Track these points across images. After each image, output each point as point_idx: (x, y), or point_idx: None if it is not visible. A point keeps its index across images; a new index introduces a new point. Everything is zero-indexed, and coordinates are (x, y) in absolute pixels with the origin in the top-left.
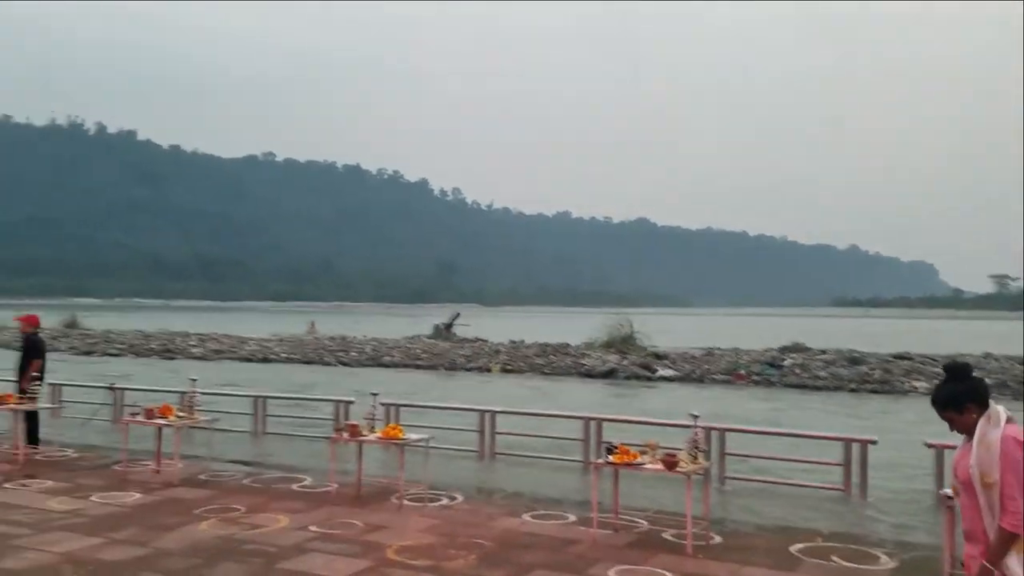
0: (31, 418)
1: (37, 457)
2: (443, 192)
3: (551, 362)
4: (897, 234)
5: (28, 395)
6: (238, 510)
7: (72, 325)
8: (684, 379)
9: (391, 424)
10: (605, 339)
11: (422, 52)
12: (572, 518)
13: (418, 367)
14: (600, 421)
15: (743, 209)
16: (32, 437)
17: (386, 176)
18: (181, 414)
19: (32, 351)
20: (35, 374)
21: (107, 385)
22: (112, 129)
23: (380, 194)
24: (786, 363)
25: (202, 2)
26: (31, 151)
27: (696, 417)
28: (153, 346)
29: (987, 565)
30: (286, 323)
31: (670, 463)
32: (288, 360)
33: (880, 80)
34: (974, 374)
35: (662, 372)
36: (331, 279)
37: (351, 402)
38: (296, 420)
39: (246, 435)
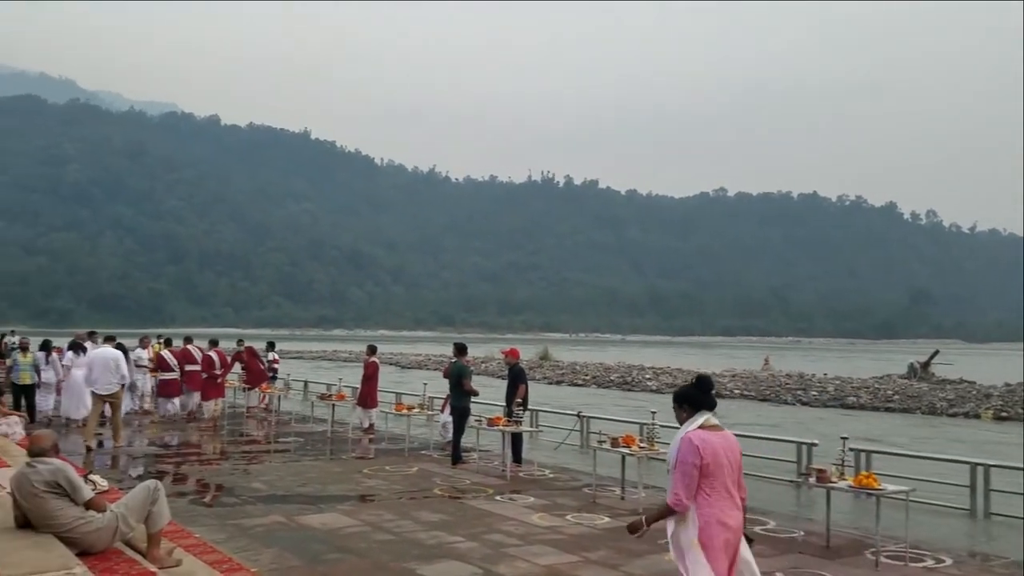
0: (516, 439)
1: (520, 474)
2: (915, 215)
3: None
4: None
5: (514, 419)
6: None
7: (545, 357)
8: None
9: (863, 472)
10: None
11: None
12: None
13: (888, 410)
14: None
15: None
16: (516, 456)
17: (847, 202)
18: (643, 444)
19: (518, 379)
20: (519, 400)
21: (575, 413)
22: (577, 180)
23: (839, 221)
24: None
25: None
26: (512, 205)
27: None
28: (613, 378)
29: (642, 518)
30: (738, 358)
31: None
32: (742, 396)
33: None
34: (711, 386)
35: None
36: (785, 312)
37: (814, 444)
38: (753, 460)
39: None
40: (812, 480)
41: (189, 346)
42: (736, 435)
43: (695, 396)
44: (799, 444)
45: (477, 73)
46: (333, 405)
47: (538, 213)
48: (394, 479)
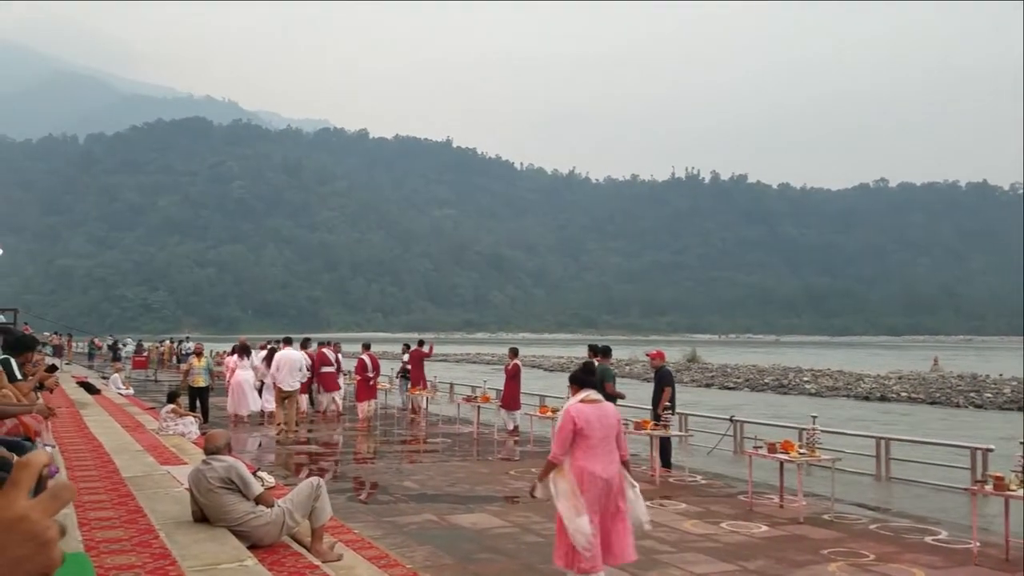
0: (664, 443)
1: (670, 480)
2: None
3: None
4: None
5: (662, 422)
6: (867, 556)
7: (693, 359)
8: None
9: None
10: None
11: None
12: None
13: None
14: None
15: None
16: (665, 461)
17: (1020, 190)
18: (802, 451)
19: (663, 381)
20: (666, 403)
21: (728, 417)
22: (725, 176)
23: (1013, 210)
24: None
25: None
26: (654, 204)
27: None
28: (767, 380)
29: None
30: (905, 358)
31: None
32: (910, 399)
33: None
34: (593, 371)
35: None
36: (955, 309)
37: (990, 449)
38: (924, 466)
39: (868, 478)
40: (988, 488)
41: (325, 349)
42: (907, 440)
43: (581, 378)
44: (973, 449)
45: (616, 76)
46: (478, 407)
47: (683, 211)
48: None
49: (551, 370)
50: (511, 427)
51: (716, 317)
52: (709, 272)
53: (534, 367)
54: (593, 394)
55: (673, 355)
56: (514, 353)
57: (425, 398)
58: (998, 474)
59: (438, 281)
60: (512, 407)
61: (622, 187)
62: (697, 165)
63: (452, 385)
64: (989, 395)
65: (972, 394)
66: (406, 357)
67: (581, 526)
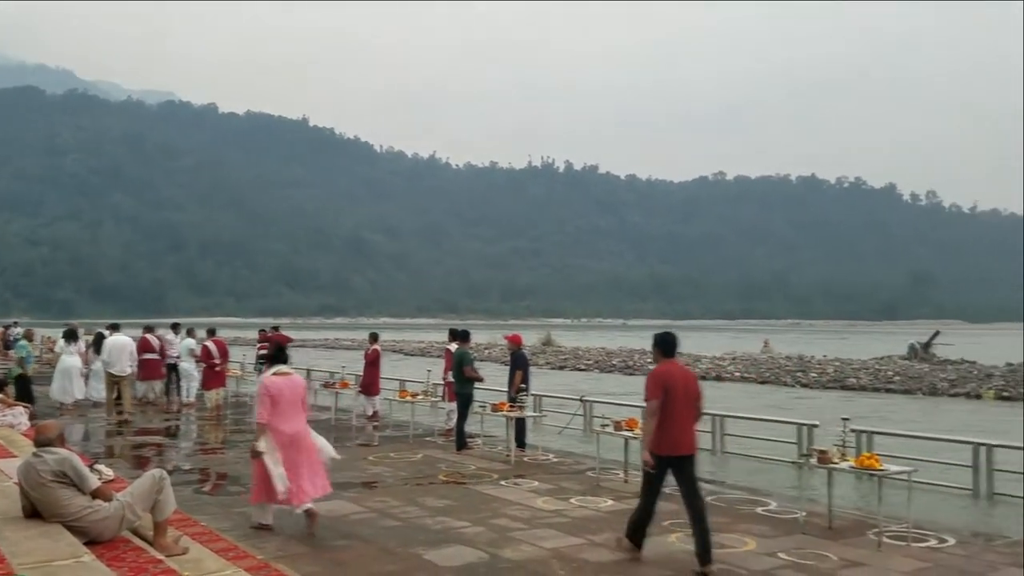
0: (519, 424)
1: (525, 459)
2: (914, 196)
3: None
4: None
5: (517, 404)
6: None
7: (548, 343)
8: None
9: (865, 453)
10: None
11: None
12: None
13: (889, 391)
14: None
15: None
16: (520, 441)
17: (846, 184)
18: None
19: (517, 364)
20: (522, 385)
21: (578, 398)
22: (578, 166)
23: (839, 203)
24: None
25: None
26: (513, 191)
27: None
28: (615, 362)
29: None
30: (739, 341)
31: None
32: (743, 379)
33: None
34: (283, 351)
35: None
36: (785, 295)
37: (815, 425)
38: (755, 441)
39: (706, 453)
40: (813, 461)
41: (148, 335)
42: (740, 417)
43: (278, 357)
44: (800, 425)
45: (472, 62)
46: (336, 393)
47: (539, 199)
48: (399, 466)
49: (411, 355)
50: (370, 412)
51: (570, 302)
52: (564, 259)
53: (395, 352)
54: (284, 368)
55: (530, 339)
56: (374, 338)
57: None
58: (822, 448)
59: (295, 264)
60: (371, 392)
61: (482, 173)
62: (552, 155)
63: (309, 371)
64: (814, 375)
65: (799, 374)
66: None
67: (279, 473)
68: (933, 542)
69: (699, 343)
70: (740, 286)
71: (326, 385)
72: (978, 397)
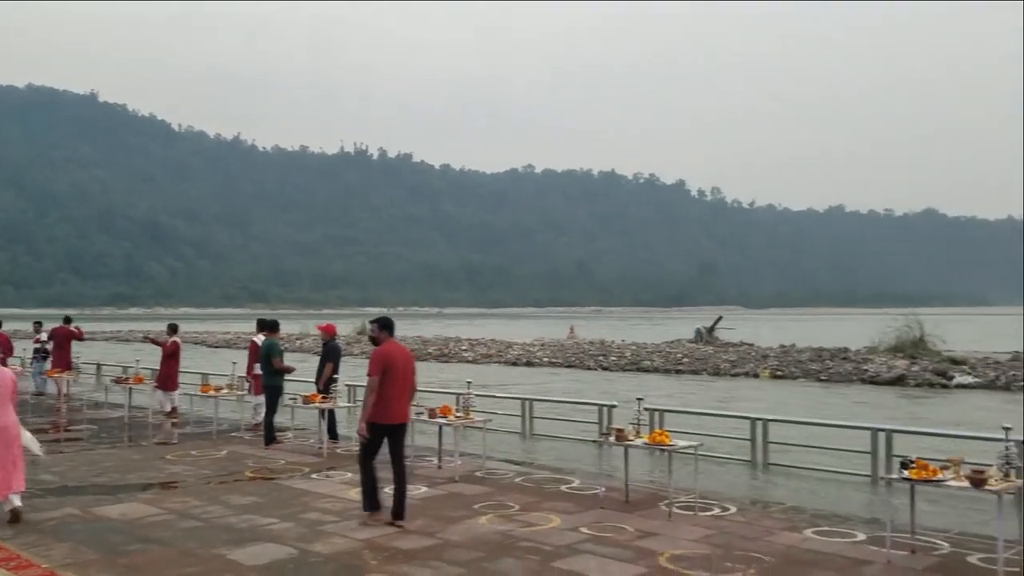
0: (331, 416)
1: (337, 451)
2: (701, 192)
3: (827, 367)
4: None
5: (329, 395)
6: (513, 507)
7: (363, 332)
8: (987, 387)
9: (657, 429)
10: (892, 343)
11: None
12: (861, 536)
13: (679, 372)
14: (891, 432)
15: None
16: (332, 433)
17: (642, 180)
18: (459, 414)
19: (328, 356)
20: (334, 376)
21: None
22: (392, 154)
23: (635, 197)
24: None
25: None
26: (325, 177)
27: (1008, 430)
28: (430, 350)
29: None
30: (548, 328)
31: (978, 480)
32: (551, 364)
33: None
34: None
35: (960, 379)
36: (588, 284)
37: (614, 406)
38: (561, 423)
39: (516, 436)
40: (612, 439)
41: None
42: (548, 400)
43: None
44: (600, 407)
45: (281, 43)
46: (130, 389)
47: (353, 185)
48: (201, 464)
49: (217, 347)
50: (168, 408)
51: (386, 291)
52: (379, 247)
53: (197, 344)
54: None
55: (344, 328)
56: (173, 330)
57: (66, 381)
58: (619, 427)
59: (82, 250)
60: (169, 387)
61: (292, 157)
62: (365, 141)
63: (99, 365)
64: (614, 358)
65: (600, 358)
66: (43, 336)
67: None
68: (717, 510)
69: (510, 330)
70: (547, 275)
71: (118, 381)
72: (756, 376)
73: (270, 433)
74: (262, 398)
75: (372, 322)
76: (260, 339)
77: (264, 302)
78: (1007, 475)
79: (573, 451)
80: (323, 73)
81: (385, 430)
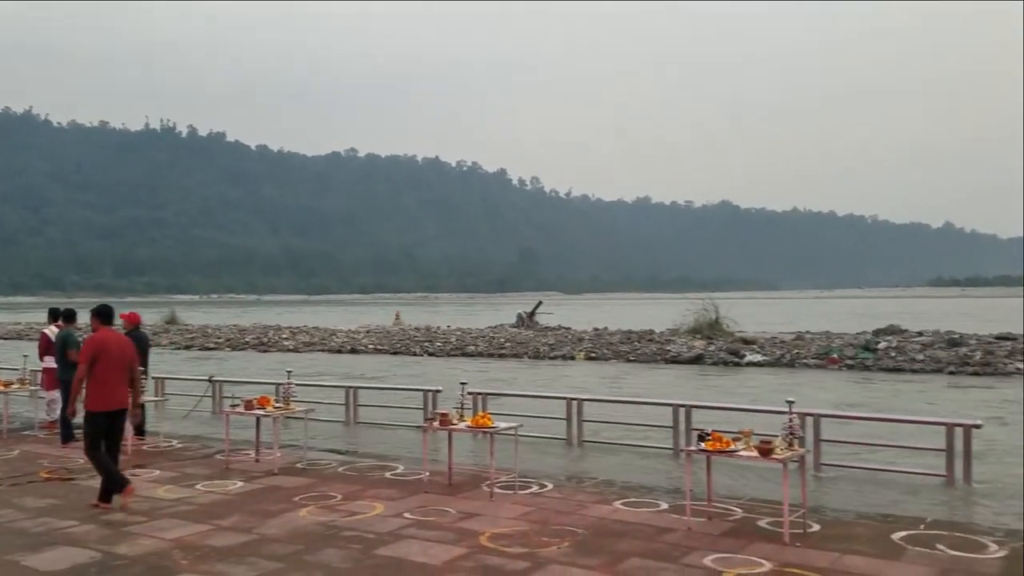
0: None
1: (144, 448)
2: (521, 182)
3: (635, 349)
4: (995, 210)
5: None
6: (335, 497)
7: (172, 321)
8: (774, 364)
9: (480, 413)
10: (691, 325)
11: (507, 46)
12: (664, 506)
13: (502, 356)
14: (690, 408)
15: (831, 189)
16: (139, 429)
17: (465, 168)
18: (278, 405)
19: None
20: (141, 368)
21: (207, 378)
22: (203, 132)
23: (460, 185)
24: (881, 346)
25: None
26: (129, 155)
27: (792, 403)
28: (248, 340)
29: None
30: (373, 314)
31: (765, 450)
32: (376, 351)
33: (975, 47)
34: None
35: (750, 357)
36: (414, 270)
37: (439, 391)
38: (386, 410)
39: (339, 425)
40: (436, 424)
41: None
42: (373, 387)
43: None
44: (425, 392)
45: (78, 7)
46: None
47: (161, 165)
48: None
49: (6, 338)
50: None
51: (198, 277)
52: (190, 231)
53: None
54: None
55: (151, 317)
56: None
57: None
58: (444, 411)
59: None
60: None
61: (90, 134)
62: (173, 119)
63: None
64: (440, 344)
65: (427, 343)
66: None
67: None
68: (536, 488)
69: (334, 317)
70: (373, 261)
71: None
72: (572, 358)
73: (67, 431)
74: (56, 393)
75: (94, 314)
76: (52, 330)
77: (60, 290)
78: (791, 445)
79: (398, 438)
80: (124, 43)
81: (107, 416)
